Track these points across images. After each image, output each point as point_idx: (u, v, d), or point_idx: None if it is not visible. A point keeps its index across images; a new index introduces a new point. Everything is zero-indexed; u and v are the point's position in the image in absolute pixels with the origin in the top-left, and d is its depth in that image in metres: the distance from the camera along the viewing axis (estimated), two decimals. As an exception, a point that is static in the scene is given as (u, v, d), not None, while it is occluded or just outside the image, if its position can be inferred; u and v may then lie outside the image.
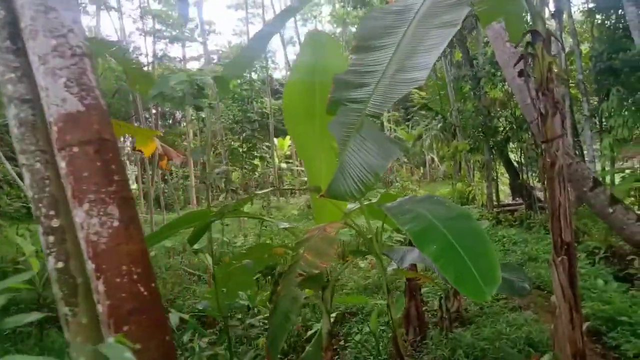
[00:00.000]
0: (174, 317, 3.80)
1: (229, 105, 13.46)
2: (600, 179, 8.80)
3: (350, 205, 3.13)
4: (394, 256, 2.89)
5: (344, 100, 2.09)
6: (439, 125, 16.37)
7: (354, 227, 2.66)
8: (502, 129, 13.03)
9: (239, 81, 13.84)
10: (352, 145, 1.95)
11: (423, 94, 22.13)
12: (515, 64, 3.33)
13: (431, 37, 1.98)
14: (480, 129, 12.58)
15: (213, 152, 35.13)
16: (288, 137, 33.53)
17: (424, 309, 4.96)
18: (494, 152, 13.12)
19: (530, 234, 9.69)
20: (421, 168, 31.02)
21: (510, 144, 13.28)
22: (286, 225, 3.15)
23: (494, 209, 13.25)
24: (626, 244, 6.56)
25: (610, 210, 5.70)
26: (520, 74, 3.25)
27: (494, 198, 13.95)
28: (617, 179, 10.82)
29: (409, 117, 28.50)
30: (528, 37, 3.11)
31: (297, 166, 28.93)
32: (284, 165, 29.20)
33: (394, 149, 1.97)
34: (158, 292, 1.45)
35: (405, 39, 2.07)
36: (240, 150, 13.77)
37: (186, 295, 6.76)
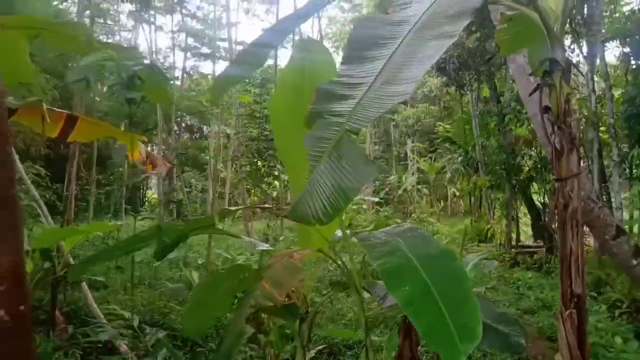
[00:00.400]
0: (151, 335, 3.57)
1: (246, 124, 13.37)
2: (627, 227, 8.30)
3: (340, 233, 2.89)
4: (376, 292, 2.61)
5: (324, 112, 1.87)
6: (459, 159, 15.98)
7: (331, 256, 2.41)
8: (525, 167, 12.59)
9: (252, 98, 13.78)
10: (326, 163, 1.73)
11: (448, 127, 21.82)
12: (530, 94, 3.09)
13: (426, 48, 1.77)
14: (502, 166, 12.18)
15: (233, 168, 35.34)
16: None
17: (421, 349, 4.59)
18: (515, 190, 12.65)
19: (547, 279, 9.16)
20: (441, 202, 30.38)
21: (534, 183, 12.80)
22: (265, 247, 2.93)
23: (512, 249, 12.70)
24: (651, 300, 6.06)
25: (635, 262, 5.27)
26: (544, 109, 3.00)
27: (514, 238, 13.39)
28: (645, 230, 10.22)
29: (432, 149, 28.15)
30: (546, 66, 2.86)
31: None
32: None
33: (371, 171, 1.74)
34: (26, 316, 1.22)
35: (398, 50, 1.86)
36: (262, 170, 13.57)
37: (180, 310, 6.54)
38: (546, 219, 12.54)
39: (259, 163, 13.99)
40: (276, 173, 16.41)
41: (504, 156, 11.91)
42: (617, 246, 5.28)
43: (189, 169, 28.85)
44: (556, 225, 2.84)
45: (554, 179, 2.86)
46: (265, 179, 15.37)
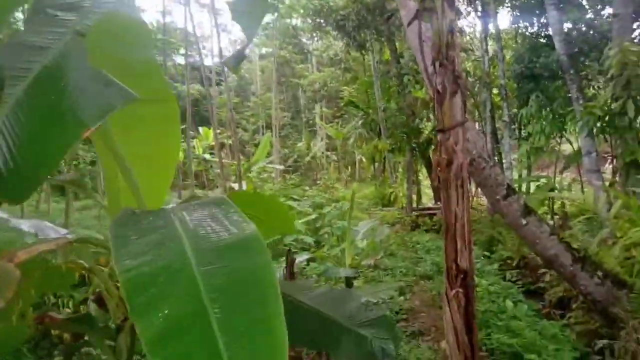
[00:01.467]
0: None
1: None
2: (516, 186, 8.45)
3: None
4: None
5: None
6: (360, 122, 15.75)
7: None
8: (425, 130, 12.60)
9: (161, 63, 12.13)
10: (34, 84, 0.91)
11: (354, 91, 21.53)
12: (409, 23, 2.50)
13: None
14: (402, 129, 12.04)
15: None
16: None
17: None
18: (416, 153, 12.65)
19: (445, 241, 9.22)
20: (349, 168, 30.60)
21: (433, 146, 12.91)
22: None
23: (413, 212, 12.78)
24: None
25: (524, 221, 5.11)
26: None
27: (415, 200, 13.50)
28: (533, 188, 10.67)
29: (339, 114, 27.96)
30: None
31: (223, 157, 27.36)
32: (207, 156, 27.41)
33: (112, 97, 0.98)
34: None
35: None
36: None
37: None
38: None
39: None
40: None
41: (403, 119, 11.74)
42: (507, 206, 5.08)
43: None
44: (437, 186, 2.33)
45: (436, 130, 2.31)
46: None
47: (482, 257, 7.32)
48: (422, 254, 8.09)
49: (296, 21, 32.29)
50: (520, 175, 11.45)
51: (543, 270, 6.35)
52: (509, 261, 7.36)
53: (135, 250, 1.01)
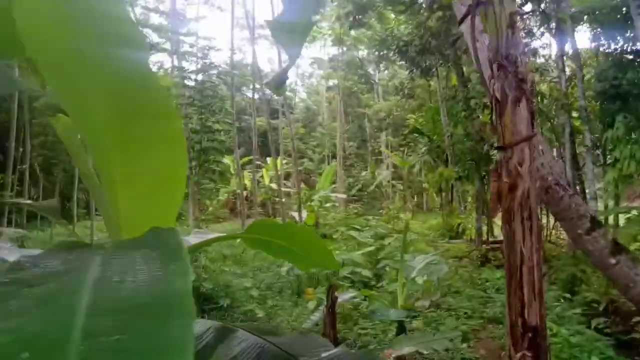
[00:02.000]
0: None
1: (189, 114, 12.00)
2: (602, 219, 7.46)
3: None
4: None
5: None
6: (423, 149, 15.08)
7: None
8: (495, 157, 11.76)
9: (193, 83, 12.43)
10: None
11: (421, 119, 20.94)
12: (460, 21, 2.09)
13: None
14: (470, 156, 11.30)
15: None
16: (280, 157, 32.51)
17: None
18: (485, 181, 11.79)
19: (519, 278, 8.30)
20: (415, 197, 29.59)
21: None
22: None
23: (483, 245, 11.83)
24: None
25: (613, 260, 4.35)
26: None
27: (485, 233, 12.54)
28: (622, 221, 9.43)
29: (405, 142, 27.30)
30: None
31: (290, 187, 27.58)
32: (274, 185, 27.72)
33: None
34: None
35: None
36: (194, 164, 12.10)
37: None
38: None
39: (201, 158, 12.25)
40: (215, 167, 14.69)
41: (471, 145, 11.02)
42: (592, 242, 4.35)
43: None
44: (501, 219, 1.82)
45: (495, 147, 1.86)
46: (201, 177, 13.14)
47: (561, 300, 6.42)
48: (491, 293, 7.29)
49: (362, 53, 32.52)
50: (606, 207, 10.23)
51: (638, 318, 5.40)
52: (594, 305, 6.39)
53: (14, 307, 0.70)
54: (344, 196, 20.43)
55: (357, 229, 14.24)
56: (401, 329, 3.67)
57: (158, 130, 1.80)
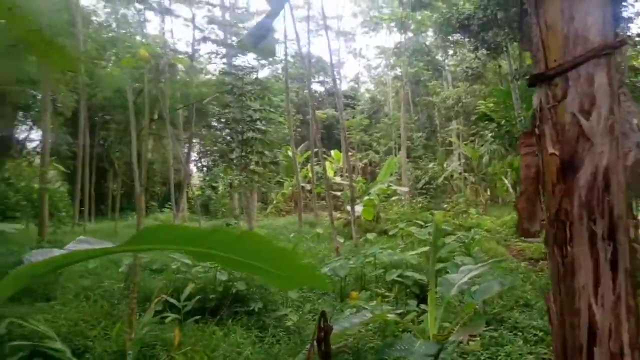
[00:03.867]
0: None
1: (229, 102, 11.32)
2: None
3: None
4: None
5: None
6: (490, 135, 13.45)
7: None
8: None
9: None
10: None
11: (491, 105, 19.07)
12: None
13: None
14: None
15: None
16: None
17: None
18: (566, 172, 10.15)
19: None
20: (488, 190, 27.38)
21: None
22: None
23: (564, 246, 10.22)
24: None
25: None
26: None
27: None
28: None
29: (475, 131, 25.23)
30: None
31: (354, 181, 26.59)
32: (338, 179, 26.93)
33: None
34: None
35: None
36: (234, 154, 11.46)
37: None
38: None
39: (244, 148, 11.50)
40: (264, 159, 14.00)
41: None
42: None
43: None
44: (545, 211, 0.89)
45: (531, 76, 0.89)
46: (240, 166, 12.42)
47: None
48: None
49: (429, 39, 30.67)
50: None
51: None
52: None
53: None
54: (406, 189, 19.14)
55: (421, 225, 13.05)
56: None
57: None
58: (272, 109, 14.23)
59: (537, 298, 6.18)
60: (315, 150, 30.80)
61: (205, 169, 33.75)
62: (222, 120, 14.73)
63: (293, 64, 33.71)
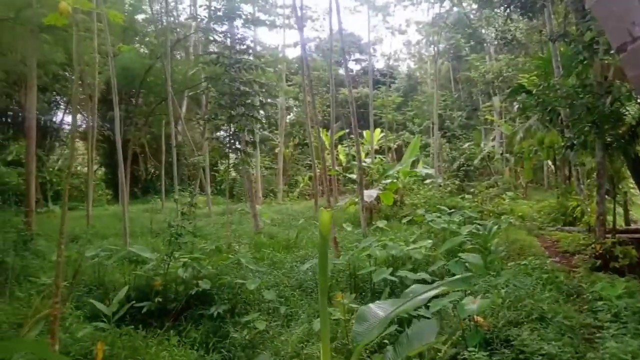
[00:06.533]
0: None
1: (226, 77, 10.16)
2: None
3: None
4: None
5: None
6: (517, 108, 11.76)
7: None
8: (627, 116, 8.43)
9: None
10: None
11: (534, 77, 17.12)
12: None
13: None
14: (589, 116, 8.14)
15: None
16: (378, 130, 30.07)
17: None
18: (611, 151, 8.53)
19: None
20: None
21: (643, 140, 8.53)
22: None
23: (607, 237, 8.61)
24: None
25: None
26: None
27: (610, 220, 9.25)
28: None
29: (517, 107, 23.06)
30: None
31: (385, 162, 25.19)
32: (367, 160, 25.55)
33: None
34: None
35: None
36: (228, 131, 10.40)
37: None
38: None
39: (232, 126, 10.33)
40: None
41: (587, 99, 7.89)
42: None
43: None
44: None
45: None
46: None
47: None
48: (603, 322, 4.60)
49: (472, 9, 28.42)
50: None
51: None
52: None
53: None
54: (429, 171, 17.62)
55: (449, 211, 11.62)
56: None
57: None
58: (271, 82, 13.09)
59: (556, 308, 4.88)
60: (348, 131, 29.54)
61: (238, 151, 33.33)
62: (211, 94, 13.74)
63: (327, 42, 32.16)
